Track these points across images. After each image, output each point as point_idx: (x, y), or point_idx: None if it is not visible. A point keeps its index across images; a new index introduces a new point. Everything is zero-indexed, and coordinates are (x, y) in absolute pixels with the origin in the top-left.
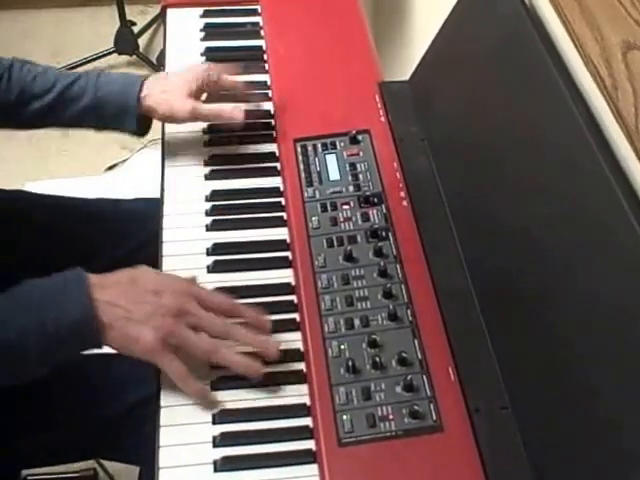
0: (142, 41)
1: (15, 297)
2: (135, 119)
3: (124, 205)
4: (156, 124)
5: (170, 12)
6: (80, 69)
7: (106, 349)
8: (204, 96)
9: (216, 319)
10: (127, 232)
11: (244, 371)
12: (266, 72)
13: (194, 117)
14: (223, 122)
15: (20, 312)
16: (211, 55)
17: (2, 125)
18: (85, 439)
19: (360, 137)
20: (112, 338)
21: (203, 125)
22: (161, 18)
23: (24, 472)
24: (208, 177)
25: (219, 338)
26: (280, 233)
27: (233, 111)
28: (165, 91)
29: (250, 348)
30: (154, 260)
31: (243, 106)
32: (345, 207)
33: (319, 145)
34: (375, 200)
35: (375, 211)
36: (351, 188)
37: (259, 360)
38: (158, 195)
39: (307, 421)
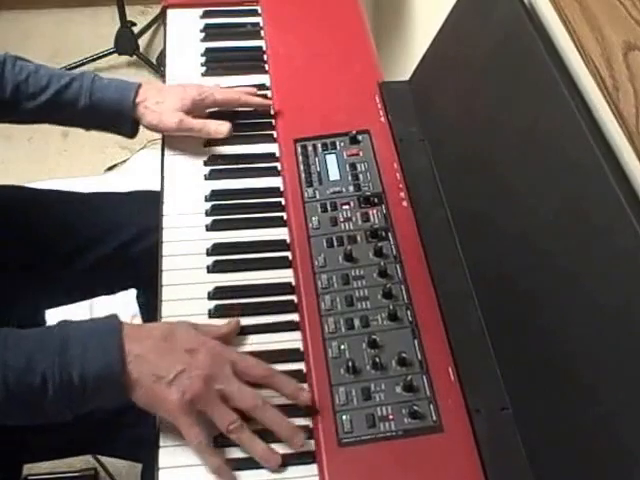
0: (142, 41)
1: (47, 337)
2: (131, 123)
3: (118, 198)
4: None
5: (170, 13)
6: (80, 69)
7: None
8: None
9: (247, 393)
10: (122, 224)
11: (260, 459)
12: (266, 72)
13: (180, 129)
14: (209, 137)
15: (48, 356)
16: (211, 55)
17: (2, 120)
18: (84, 434)
19: (360, 137)
20: (138, 395)
21: None
22: (161, 19)
23: (25, 472)
24: (208, 177)
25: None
26: (280, 233)
27: (218, 127)
28: (158, 102)
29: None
30: (149, 251)
31: (228, 123)
32: (345, 207)
33: (319, 145)
34: (375, 200)
35: (375, 211)
36: (351, 188)
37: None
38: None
39: (307, 421)
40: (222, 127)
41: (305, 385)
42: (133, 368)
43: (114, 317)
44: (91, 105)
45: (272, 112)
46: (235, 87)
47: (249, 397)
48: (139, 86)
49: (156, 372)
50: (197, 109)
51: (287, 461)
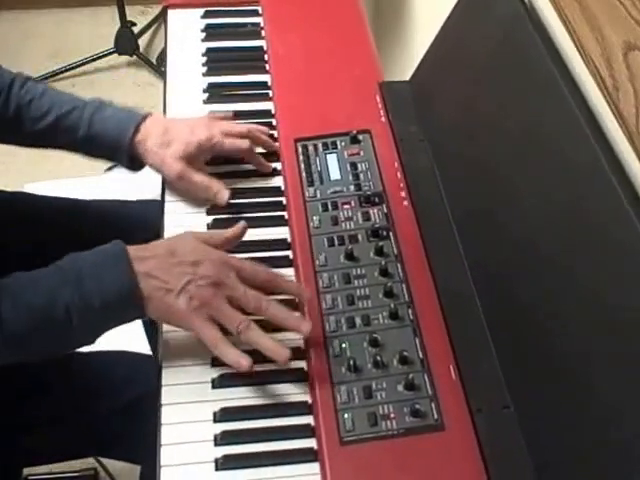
0: (142, 41)
1: (61, 272)
2: (127, 159)
3: (125, 206)
4: None
5: (171, 13)
6: (80, 69)
7: (101, 344)
8: None
9: (252, 295)
10: (127, 233)
11: (271, 354)
12: (267, 72)
13: (181, 181)
14: (208, 199)
15: (66, 288)
16: (212, 55)
17: (3, 140)
18: (85, 436)
19: (361, 137)
20: (152, 309)
21: None
22: (162, 19)
23: (25, 472)
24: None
25: (253, 314)
26: (281, 232)
27: (218, 193)
28: (162, 144)
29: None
30: None
31: (227, 191)
32: (346, 206)
33: (320, 145)
34: (376, 200)
35: (376, 210)
36: (352, 188)
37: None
38: (159, 195)
39: (308, 419)
40: (223, 194)
41: (306, 384)
42: (144, 286)
43: (118, 243)
44: (89, 136)
45: (272, 111)
46: (246, 123)
47: (255, 298)
48: (142, 121)
49: (164, 286)
50: (203, 154)
51: (288, 459)
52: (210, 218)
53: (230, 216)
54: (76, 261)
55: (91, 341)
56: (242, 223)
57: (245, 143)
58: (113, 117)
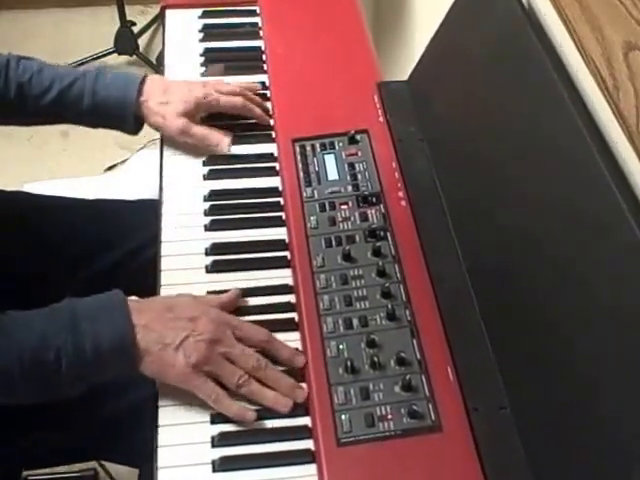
0: (142, 41)
1: (56, 315)
2: (133, 121)
3: (124, 206)
4: None
5: (169, 13)
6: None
7: None
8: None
9: (249, 353)
10: (126, 233)
11: (273, 405)
12: (265, 72)
13: (182, 135)
14: (210, 148)
15: (60, 331)
16: (210, 55)
17: (4, 123)
18: (84, 440)
19: (359, 137)
20: (147, 363)
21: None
22: (160, 19)
23: (25, 472)
24: (207, 177)
25: (249, 373)
26: (279, 233)
27: (221, 141)
28: (162, 103)
29: None
30: (153, 262)
31: (228, 138)
32: (344, 207)
33: (318, 145)
34: (374, 200)
35: (374, 211)
36: (350, 188)
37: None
38: (157, 195)
39: (306, 421)
40: (224, 140)
41: (304, 385)
42: (141, 338)
43: (117, 292)
44: (94, 104)
45: (270, 111)
46: (239, 83)
47: (252, 357)
48: (143, 82)
49: (162, 340)
50: (200, 111)
51: (286, 460)
52: (208, 219)
53: (228, 217)
54: (74, 305)
55: (77, 392)
56: (235, 290)
57: (239, 100)
58: (115, 81)
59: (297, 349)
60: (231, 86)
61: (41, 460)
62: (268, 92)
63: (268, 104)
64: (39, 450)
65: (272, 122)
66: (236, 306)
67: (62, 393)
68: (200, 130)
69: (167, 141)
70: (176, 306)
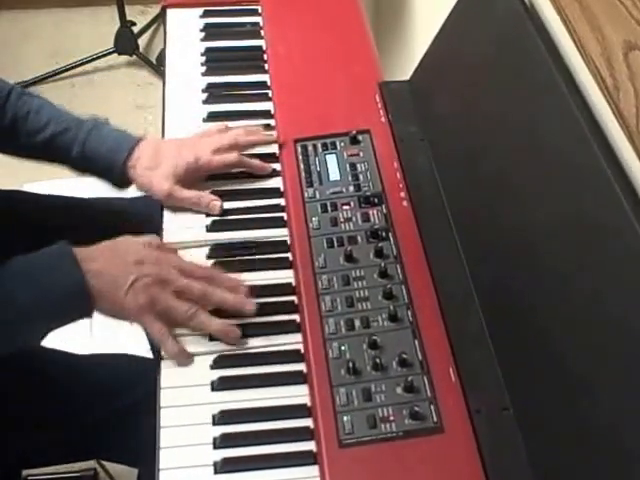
0: (142, 41)
1: (9, 273)
2: (119, 181)
3: (122, 204)
4: (155, 127)
5: (170, 12)
6: (80, 69)
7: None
8: None
9: (195, 284)
10: (128, 229)
11: (220, 334)
12: (266, 72)
13: (170, 200)
14: (200, 210)
15: (16, 287)
16: (211, 55)
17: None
18: (81, 439)
19: (360, 137)
20: (102, 307)
21: (203, 126)
22: (161, 18)
23: (24, 472)
24: (207, 178)
25: (199, 302)
26: (280, 234)
27: (210, 204)
28: (149, 168)
29: None
30: None
31: (219, 202)
32: (345, 207)
33: (319, 145)
34: (375, 200)
35: (375, 211)
36: (351, 188)
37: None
38: None
39: (308, 422)
40: (216, 203)
41: (305, 386)
42: (94, 284)
43: (64, 245)
44: (82, 157)
45: (271, 111)
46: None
47: (198, 286)
48: (135, 145)
49: (113, 284)
50: (191, 175)
51: (288, 462)
52: (209, 220)
53: (229, 218)
54: (24, 262)
55: (36, 340)
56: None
57: (233, 156)
58: (108, 140)
59: (298, 351)
60: (226, 139)
61: (39, 459)
62: (269, 92)
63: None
64: (37, 449)
65: (273, 122)
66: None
67: (21, 342)
68: (188, 195)
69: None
70: (122, 250)
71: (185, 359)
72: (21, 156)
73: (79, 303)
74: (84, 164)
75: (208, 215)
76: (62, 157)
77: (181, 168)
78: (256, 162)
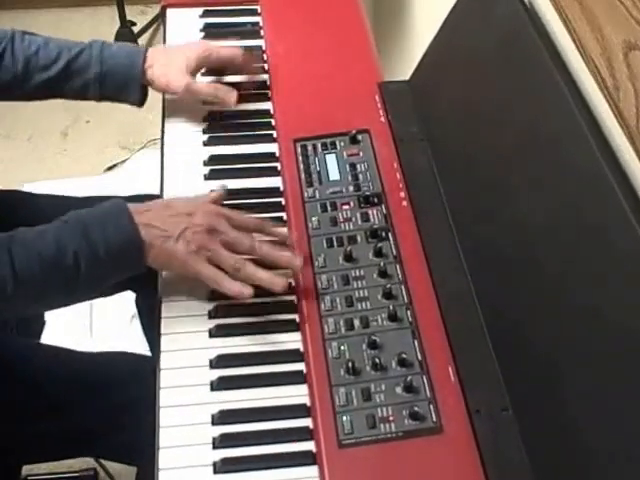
0: (142, 41)
1: (67, 225)
2: (139, 90)
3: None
4: (155, 127)
5: (170, 12)
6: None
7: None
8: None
9: (244, 237)
10: None
11: (268, 285)
12: (266, 72)
13: (188, 93)
14: (216, 102)
15: (73, 238)
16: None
17: (6, 98)
18: (79, 435)
19: (360, 137)
20: (153, 257)
21: (203, 125)
22: (161, 18)
23: (25, 472)
24: (207, 177)
25: (247, 254)
26: None
27: (226, 95)
28: (165, 64)
29: None
30: None
31: (234, 92)
32: (345, 207)
33: (319, 145)
34: (375, 200)
35: (375, 211)
36: (351, 188)
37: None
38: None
39: (307, 422)
40: (231, 94)
41: (304, 386)
42: (145, 234)
43: (117, 199)
44: (102, 73)
45: (271, 111)
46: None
47: (247, 240)
48: (147, 50)
49: (163, 234)
50: (202, 65)
51: (287, 462)
52: None
53: None
54: (80, 216)
55: (96, 293)
56: (221, 185)
57: (239, 50)
58: (121, 51)
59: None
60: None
61: (38, 454)
62: (269, 92)
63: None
64: (36, 444)
65: (273, 122)
66: (224, 200)
67: (81, 295)
68: (205, 85)
69: (168, 141)
70: (173, 204)
71: (249, 294)
72: (38, 97)
73: (133, 253)
74: (104, 80)
75: None
76: (81, 81)
77: (192, 60)
78: (253, 67)
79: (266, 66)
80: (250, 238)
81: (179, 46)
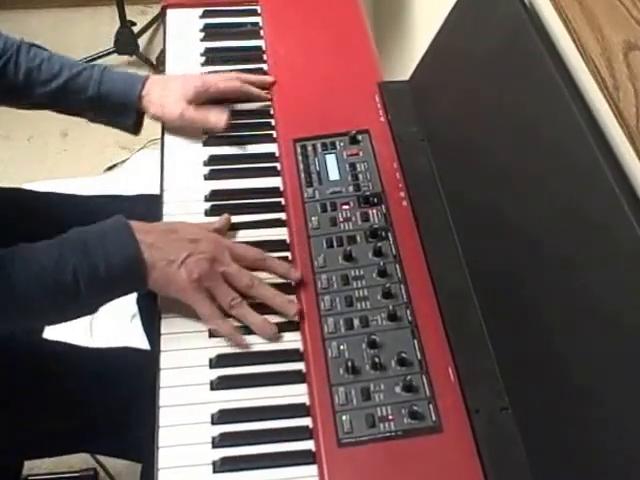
0: (142, 41)
1: (67, 242)
2: (134, 116)
3: (123, 202)
4: (155, 127)
5: (170, 12)
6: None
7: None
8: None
9: (244, 274)
10: None
11: (258, 329)
12: (266, 72)
13: (183, 121)
14: (209, 127)
15: (73, 255)
16: (211, 55)
17: (7, 104)
18: (80, 431)
19: (360, 137)
20: (154, 279)
21: None
22: (161, 18)
23: (25, 472)
24: (207, 177)
25: (243, 292)
26: (280, 233)
27: (218, 118)
28: (162, 94)
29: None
30: None
31: (226, 113)
32: (345, 207)
33: (319, 145)
34: (375, 200)
35: (375, 211)
36: (351, 188)
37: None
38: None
39: (306, 421)
40: (221, 118)
41: (304, 385)
42: (148, 255)
43: (119, 217)
44: (99, 95)
45: (271, 111)
46: (235, 71)
47: (247, 277)
48: (146, 79)
49: (167, 257)
50: (199, 99)
51: (286, 461)
52: (209, 219)
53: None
54: (81, 233)
55: (93, 310)
56: (225, 215)
57: (237, 82)
58: (121, 76)
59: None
60: (227, 74)
61: (38, 449)
62: (269, 92)
63: (268, 104)
64: (35, 439)
65: (273, 122)
66: (228, 228)
67: (79, 312)
68: (197, 113)
69: (168, 141)
70: (178, 229)
71: (239, 339)
72: (37, 107)
73: (134, 273)
74: (100, 102)
75: (207, 215)
76: (78, 99)
77: (189, 91)
78: (256, 90)
79: (266, 66)
80: (249, 276)
81: (178, 76)
